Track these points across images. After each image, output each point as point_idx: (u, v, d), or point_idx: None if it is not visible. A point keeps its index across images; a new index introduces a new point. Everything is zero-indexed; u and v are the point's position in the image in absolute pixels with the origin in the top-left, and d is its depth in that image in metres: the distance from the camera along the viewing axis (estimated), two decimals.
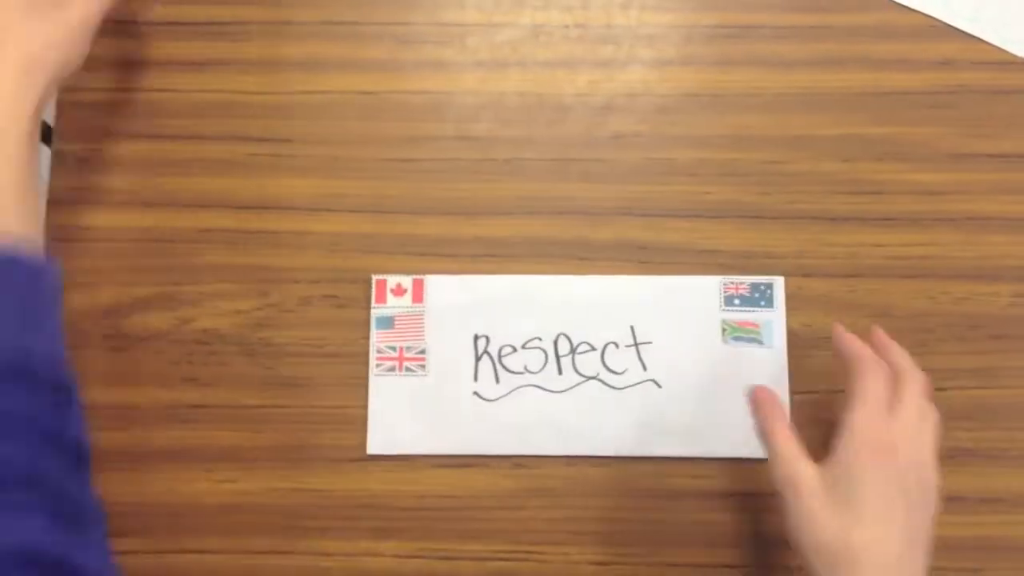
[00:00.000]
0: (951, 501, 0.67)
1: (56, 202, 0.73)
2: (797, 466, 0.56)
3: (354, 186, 0.73)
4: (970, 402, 0.70)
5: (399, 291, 0.71)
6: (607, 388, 0.70)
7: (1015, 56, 0.75)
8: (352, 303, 0.71)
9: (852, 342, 0.60)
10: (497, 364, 0.70)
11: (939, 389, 0.69)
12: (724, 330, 0.70)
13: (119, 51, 0.75)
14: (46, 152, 0.74)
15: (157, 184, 0.73)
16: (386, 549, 0.68)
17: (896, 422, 0.57)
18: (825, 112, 0.74)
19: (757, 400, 0.61)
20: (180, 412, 0.70)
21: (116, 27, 0.75)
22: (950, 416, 0.68)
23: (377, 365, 0.70)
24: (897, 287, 0.71)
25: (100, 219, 0.73)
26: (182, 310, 0.71)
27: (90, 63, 0.75)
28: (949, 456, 0.68)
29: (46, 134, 0.73)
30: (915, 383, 0.59)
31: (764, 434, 0.59)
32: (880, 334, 0.62)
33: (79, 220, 0.73)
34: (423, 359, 0.70)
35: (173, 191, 0.73)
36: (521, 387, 0.70)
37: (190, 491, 0.69)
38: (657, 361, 0.70)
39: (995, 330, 0.71)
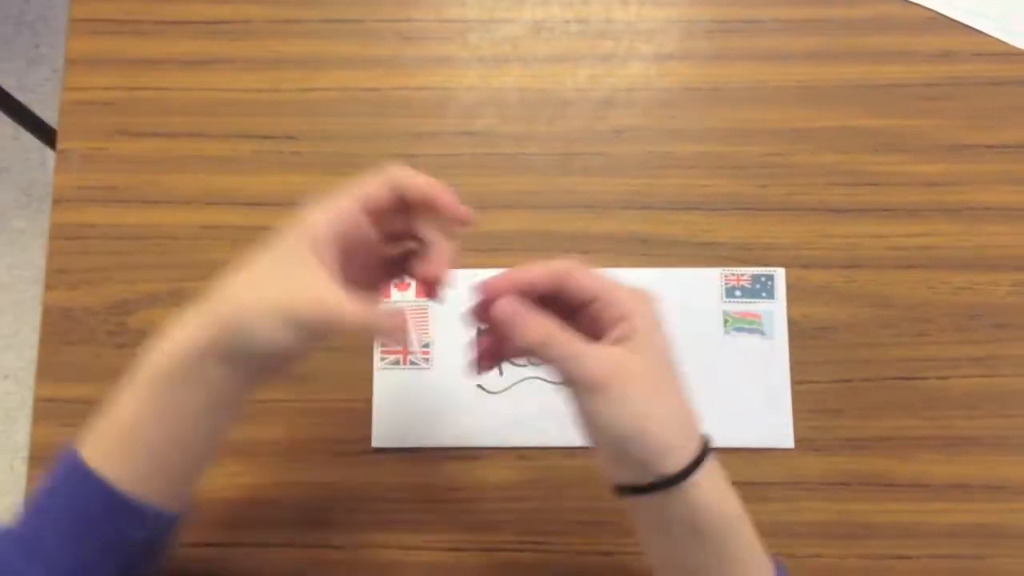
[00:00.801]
0: (953, 489, 0.69)
1: (61, 200, 0.74)
2: (599, 349, 0.51)
3: None
4: (971, 391, 0.70)
5: (403, 286, 0.71)
6: None
7: (1014, 47, 0.75)
8: None
9: (589, 278, 0.53)
10: None
11: (940, 378, 0.70)
12: (726, 321, 0.71)
13: (123, 50, 0.76)
14: (50, 153, 0.75)
15: (161, 181, 0.74)
16: (392, 541, 0.68)
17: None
18: (824, 105, 0.75)
19: (504, 313, 0.52)
20: None
21: (119, 26, 0.76)
22: (951, 405, 0.70)
23: (381, 359, 0.71)
24: (897, 277, 0.72)
25: (105, 217, 0.73)
26: (187, 306, 0.71)
27: (94, 62, 0.76)
28: (951, 444, 0.69)
29: (48, 135, 0.73)
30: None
31: (544, 343, 0.51)
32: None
33: (84, 218, 0.73)
34: (427, 353, 0.71)
35: (178, 188, 0.74)
36: (524, 379, 0.70)
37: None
38: None
39: (995, 319, 0.71)
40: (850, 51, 0.76)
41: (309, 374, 0.70)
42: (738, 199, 0.73)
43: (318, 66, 0.76)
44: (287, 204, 0.72)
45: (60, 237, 0.73)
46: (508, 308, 0.52)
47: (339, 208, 0.53)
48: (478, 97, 0.75)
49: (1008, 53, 0.75)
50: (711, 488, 0.52)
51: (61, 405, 0.70)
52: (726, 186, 0.73)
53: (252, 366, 0.51)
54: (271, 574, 0.68)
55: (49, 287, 0.72)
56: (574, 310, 0.53)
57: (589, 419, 0.51)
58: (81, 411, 0.69)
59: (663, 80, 0.75)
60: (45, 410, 0.71)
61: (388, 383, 0.70)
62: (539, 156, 0.74)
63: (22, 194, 1.70)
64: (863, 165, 0.74)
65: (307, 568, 0.68)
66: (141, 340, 0.71)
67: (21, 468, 0.70)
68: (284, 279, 0.51)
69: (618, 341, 0.51)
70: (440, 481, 0.69)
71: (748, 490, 0.69)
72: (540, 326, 0.51)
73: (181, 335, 0.51)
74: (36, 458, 0.70)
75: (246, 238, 0.72)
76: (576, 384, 0.50)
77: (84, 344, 0.71)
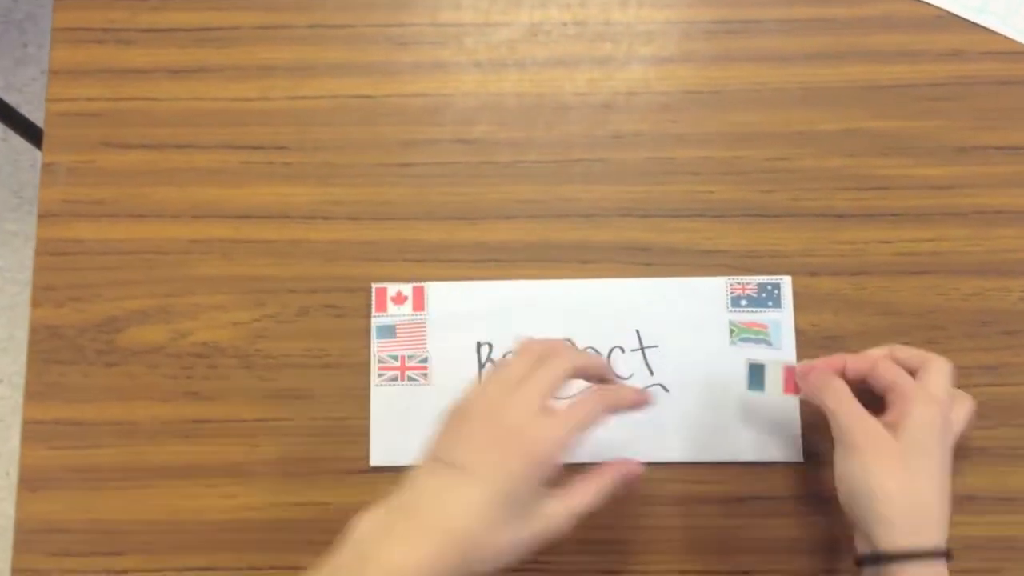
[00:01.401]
0: (967, 501, 0.67)
1: (47, 215, 0.72)
2: (869, 421, 0.58)
3: (351, 192, 0.72)
4: (983, 400, 0.68)
5: (399, 299, 0.70)
6: None
7: (1021, 47, 0.73)
8: (351, 312, 0.70)
9: (888, 370, 0.61)
10: None
11: None
12: (732, 331, 0.69)
13: (108, 60, 0.74)
14: (39, 154, 0.73)
15: (149, 194, 0.72)
16: None
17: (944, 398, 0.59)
18: (828, 107, 0.73)
19: (806, 373, 0.62)
20: (179, 427, 0.69)
21: (103, 35, 0.74)
22: None
23: (379, 375, 0.69)
24: (906, 284, 0.70)
25: (91, 231, 0.71)
26: (178, 323, 0.70)
27: (78, 72, 0.74)
28: (963, 456, 0.67)
29: (37, 135, 0.72)
30: (939, 362, 0.61)
31: (821, 390, 0.61)
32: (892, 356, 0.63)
33: (70, 233, 0.71)
34: (425, 368, 0.69)
35: (166, 201, 0.72)
36: None
37: (191, 507, 0.68)
38: (664, 365, 0.69)
39: (1007, 326, 0.69)
40: (854, 51, 0.74)
41: (304, 392, 0.69)
42: (742, 205, 0.71)
43: (308, 73, 0.74)
44: (278, 216, 0.72)
45: (46, 253, 0.71)
46: (821, 377, 0.61)
47: (569, 434, 0.55)
48: (474, 103, 0.73)
49: (1017, 52, 0.73)
50: None
51: (51, 427, 0.69)
52: (729, 192, 0.71)
53: None
54: None
55: (36, 304, 0.70)
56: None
57: (839, 475, 0.58)
58: (71, 432, 0.69)
59: (663, 83, 0.74)
60: (34, 432, 0.69)
61: (386, 400, 0.69)
62: (537, 163, 0.72)
63: (12, 196, 1.68)
64: (869, 168, 0.72)
65: None
66: (132, 358, 0.69)
67: (15, 475, 0.68)
68: (520, 517, 0.53)
69: (890, 424, 0.58)
70: None
71: (757, 505, 0.68)
72: (820, 375, 0.61)
73: (424, 564, 0.51)
74: (25, 480, 0.68)
75: (237, 252, 0.71)
76: (838, 438, 0.58)
77: (72, 363, 0.70)
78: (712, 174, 0.72)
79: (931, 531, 0.55)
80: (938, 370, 0.60)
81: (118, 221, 0.72)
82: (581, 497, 0.56)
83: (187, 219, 0.71)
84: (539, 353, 0.58)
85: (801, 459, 0.67)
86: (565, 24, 0.74)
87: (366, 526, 0.53)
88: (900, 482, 0.55)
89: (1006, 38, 0.73)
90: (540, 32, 0.74)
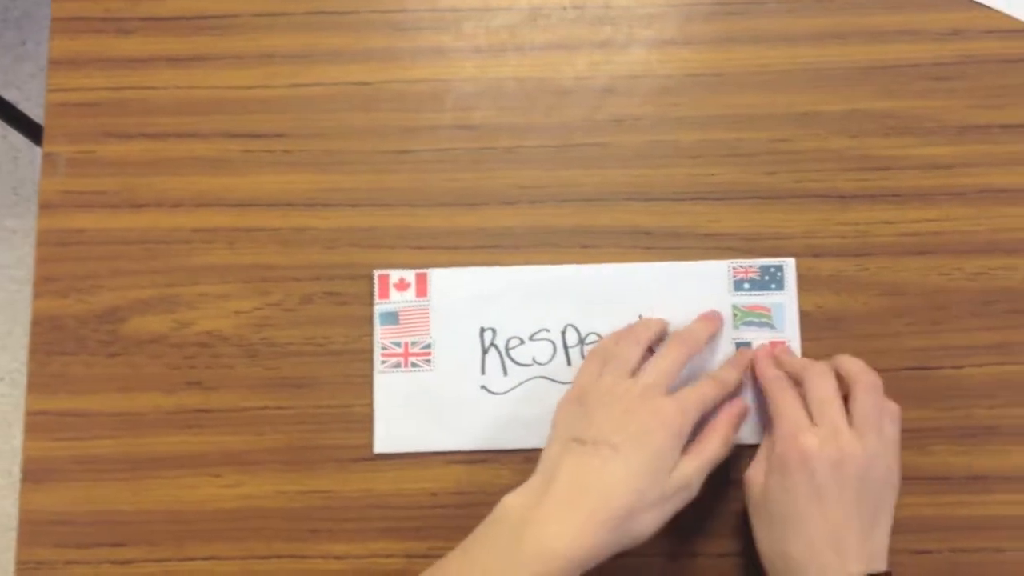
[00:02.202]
0: (972, 481, 0.67)
1: (47, 205, 0.71)
2: (748, 475, 0.63)
3: (352, 180, 0.71)
4: (989, 379, 0.68)
5: (402, 285, 0.69)
6: None
7: None
8: (354, 299, 0.70)
9: (766, 368, 0.65)
10: (504, 357, 0.69)
11: (956, 367, 0.68)
12: (735, 315, 0.69)
13: (107, 49, 0.74)
14: (39, 151, 0.73)
15: (150, 184, 0.72)
16: (397, 549, 0.67)
17: (844, 423, 0.60)
18: (831, 88, 0.73)
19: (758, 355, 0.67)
20: (183, 417, 0.68)
21: (101, 24, 0.74)
22: (968, 394, 0.68)
23: (382, 362, 0.69)
24: (910, 264, 0.70)
25: (93, 221, 0.71)
26: (181, 312, 0.70)
27: (77, 62, 0.73)
28: (969, 435, 0.68)
29: (36, 132, 0.71)
30: (865, 382, 0.61)
31: (768, 384, 0.65)
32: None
33: (71, 223, 0.71)
34: (429, 354, 0.69)
35: (167, 191, 0.71)
36: (530, 379, 0.69)
37: (195, 497, 0.68)
38: None
39: (1012, 304, 0.69)
40: (856, 31, 0.73)
41: (308, 380, 0.69)
42: (745, 188, 0.71)
43: (308, 61, 0.73)
44: (280, 204, 0.71)
45: (48, 243, 0.71)
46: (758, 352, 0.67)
47: (695, 408, 0.60)
48: (474, 88, 0.73)
49: (1019, 30, 0.73)
50: None
51: (54, 418, 0.69)
52: (732, 174, 0.71)
53: None
54: None
55: (37, 295, 0.70)
56: None
57: (752, 492, 0.62)
58: (74, 423, 0.68)
59: (664, 66, 0.73)
60: (37, 423, 0.69)
61: (389, 386, 0.68)
62: (538, 148, 0.72)
63: (12, 193, 1.67)
64: (873, 149, 0.71)
65: None
66: (135, 349, 0.69)
67: (18, 473, 0.68)
68: (663, 486, 0.57)
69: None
70: (446, 486, 0.68)
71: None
72: (771, 371, 0.66)
73: (579, 543, 0.54)
74: (28, 472, 0.68)
75: (239, 240, 0.70)
76: (769, 446, 0.62)
77: (75, 354, 0.69)
78: (714, 157, 0.72)
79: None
80: (864, 392, 0.61)
81: (119, 211, 0.71)
82: (711, 451, 0.60)
83: (188, 208, 0.71)
84: (645, 340, 0.65)
85: None
86: (565, 8, 0.74)
87: (515, 511, 0.57)
88: (816, 512, 0.57)
89: (1007, 16, 0.73)
90: (539, 16, 0.74)
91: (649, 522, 0.57)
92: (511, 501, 0.57)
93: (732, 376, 0.65)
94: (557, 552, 0.53)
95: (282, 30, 0.74)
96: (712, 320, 0.68)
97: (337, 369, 0.69)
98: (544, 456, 0.60)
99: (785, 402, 0.62)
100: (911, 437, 0.66)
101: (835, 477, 0.57)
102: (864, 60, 0.73)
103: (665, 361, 0.62)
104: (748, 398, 0.67)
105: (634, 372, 0.62)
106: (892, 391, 0.62)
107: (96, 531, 0.67)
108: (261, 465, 0.68)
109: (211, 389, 0.69)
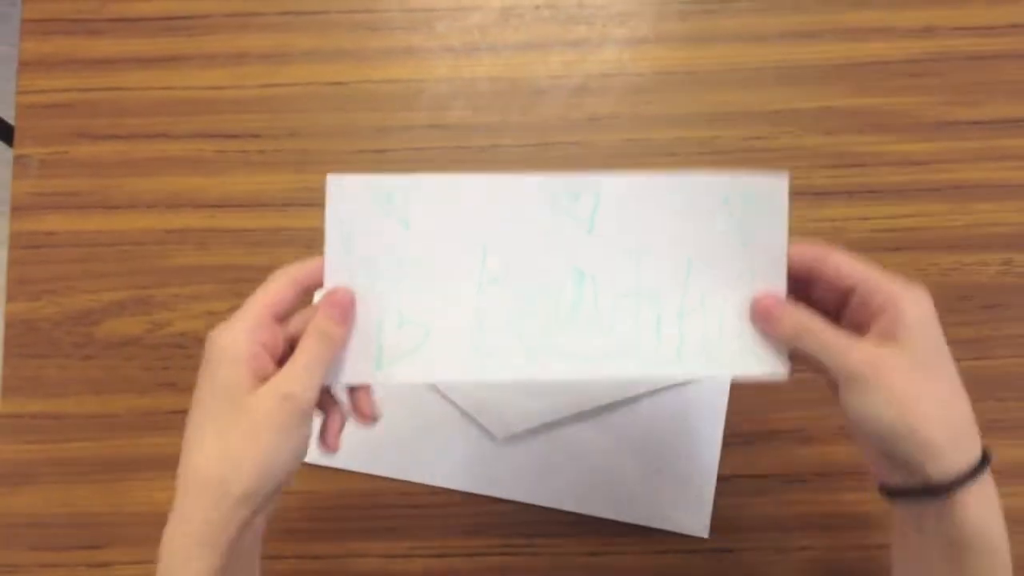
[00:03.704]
0: None
1: (19, 208, 0.71)
2: (865, 347, 0.49)
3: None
4: (964, 375, 0.67)
5: None
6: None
7: (996, 21, 0.73)
8: None
9: (852, 268, 0.52)
10: None
11: None
12: None
13: (77, 50, 0.73)
14: (8, 155, 0.72)
15: (122, 185, 0.71)
16: (376, 549, 0.67)
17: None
18: (804, 85, 0.73)
19: (766, 308, 0.52)
20: (158, 419, 0.68)
21: (72, 26, 0.73)
22: None
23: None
24: (884, 260, 0.68)
25: (65, 223, 0.71)
26: (155, 314, 0.69)
27: (48, 64, 0.73)
28: None
29: (9, 135, 0.71)
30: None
31: (799, 335, 0.50)
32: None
33: (43, 225, 0.71)
34: None
35: (139, 192, 0.71)
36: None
37: (170, 499, 0.67)
38: None
39: (986, 300, 0.69)
40: (829, 29, 0.74)
41: None
42: None
43: (280, 61, 0.73)
44: (253, 205, 0.71)
45: (20, 246, 0.71)
46: (759, 307, 0.52)
47: (252, 326, 0.50)
48: (448, 89, 0.73)
49: (990, 27, 0.73)
50: (980, 511, 0.48)
51: (27, 421, 0.68)
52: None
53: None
54: None
55: (10, 298, 0.70)
56: (833, 309, 0.52)
57: (851, 415, 0.48)
58: (49, 426, 0.68)
59: (638, 64, 0.73)
60: (10, 426, 0.68)
61: None
62: (514, 147, 0.72)
63: None
64: (847, 146, 0.72)
65: None
66: (109, 351, 0.69)
67: None
68: (236, 452, 0.48)
69: (882, 334, 0.48)
70: (424, 487, 0.67)
71: (750, 483, 0.68)
72: (792, 315, 0.50)
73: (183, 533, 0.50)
74: (3, 475, 0.68)
75: (213, 241, 0.70)
76: (837, 377, 0.48)
77: (49, 357, 0.69)
78: (689, 154, 0.72)
79: (973, 439, 0.49)
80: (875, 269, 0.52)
81: (92, 213, 0.71)
82: (302, 354, 0.49)
83: (161, 209, 0.71)
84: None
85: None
86: (538, 7, 0.74)
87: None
88: (930, 397, 0.48)
89: (978, 12, 0.73)
90: (512, 16, 0.74)
91: (271, 467, 0.48)
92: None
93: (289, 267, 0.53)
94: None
95: (254, 31, 0.73)
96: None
97: None
98: None
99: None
100: None
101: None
102: (838, 58, 0.73)
103: (257, 298, 0.52)
104: None
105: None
106: None
107: (72, 533, 0.67)
108: None
109: (186, 390, 0.67)
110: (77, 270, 0.70)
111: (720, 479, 0.67)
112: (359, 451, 0.67)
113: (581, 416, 0.68)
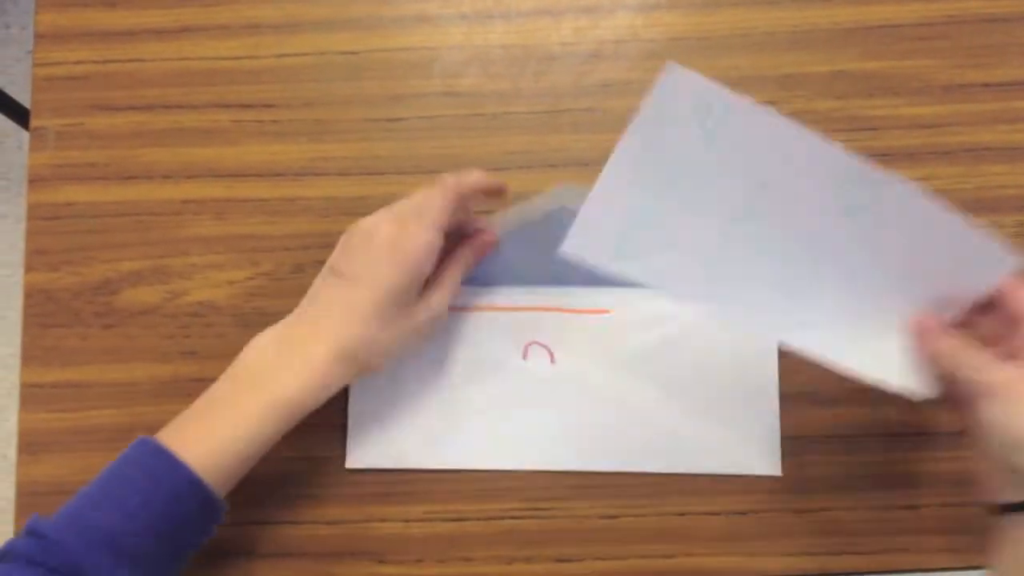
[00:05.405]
0: (959, 436, 0.67)
1: (37, 180, 0.72)
2: (1003, 366, 0.54)
3: (341, 148, 0.72)
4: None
5: None
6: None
7: None
8: None
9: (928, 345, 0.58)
10: None
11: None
12: None
13: (93, 22, 0.74)
14: (26, 135, 0.72)
15: (139, 156, 0.72)
16: (393, 513, 0.67)
17: None
18: (816, 49, 0.73)
19: (924, 326, 0.58)
20: (179, 386, 0.69)
21: None
22: None
23: None
24: None
25: (83, 195, 0.71)
26: (173, 283, 0.70)
27: (64, 36, 0.73)
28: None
29: (23, 116, 0.71)
30: None
31: (952, 353, 0.56)
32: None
33: (61, 197, 0.71)
34: None
35: (156, 163, 0.72)
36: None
37: None
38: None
39: None
40: None
41: None
42: None
43: (294, 30, 0.73)
44: (269, 174, 0.72)
45: (38, 217, 0.71)
46: (921, 326, 0.58)
47: (429, 233, 0.61)
48: (460, 56, 0.73)
49: None
50: None
51: (49, 390, 0.69)
52: None
53: None
54: (268, 551, 0.67)
55: (29, 269, 0.70)
56: (994, 339, 0.57)
57: (984, 424, 0.54)
58: (70, 395, 0.69)
59: (650, 31, 0.73)
60: (32, 395, 0.69)
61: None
62: (526, 114, 0.72)
63: (0, 178, 1.67)
64: (859, 110, 0.72)
65: (305, 544, 0.67)
66: (129, 320, 0.69)
67: (13, 456, 0.68)
68: (403, 314, 0.61)
69: (1011, 352, 0.54)
70: None
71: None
72: (949, 339, 0.57)
73: (318, 378, 0.59)
74: (24, 444, 0.68)
75: (229, 211, 0.71)
76: (974, 391, 0.54)
77: (69, 326, 0.70)
78: None
79: None
80: None
81: (109, 183, 0.71)
82: (451, 280, 0.64)
83: (179, 179, 0.71)
84: (440, 190, 0.63)
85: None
86: None
87: (257, 359, 0.61)
88: None
89: None
90: None
91: (390, 345, 0.61)
92: (260, 342, 0.61)
93: (449, 179, 0.63)
94: (284, 399, 0.59)
95: (268, 1, 0.74)
96: (493, 181, 0.66)
97: None
98: (311, 288, 0.63)
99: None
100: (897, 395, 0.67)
101: None
102: (848, 21, 0.73)
103: (420, 196, 0.62)
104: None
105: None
106: None
107: None
108: None
109: (206, 359, 0.69)
110: (95, 240, 0.71)
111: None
112: (425, 447, 0.68)
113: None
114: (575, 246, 0.56)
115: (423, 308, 0.62)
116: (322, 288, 0.62)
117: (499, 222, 0.68)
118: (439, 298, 0.63)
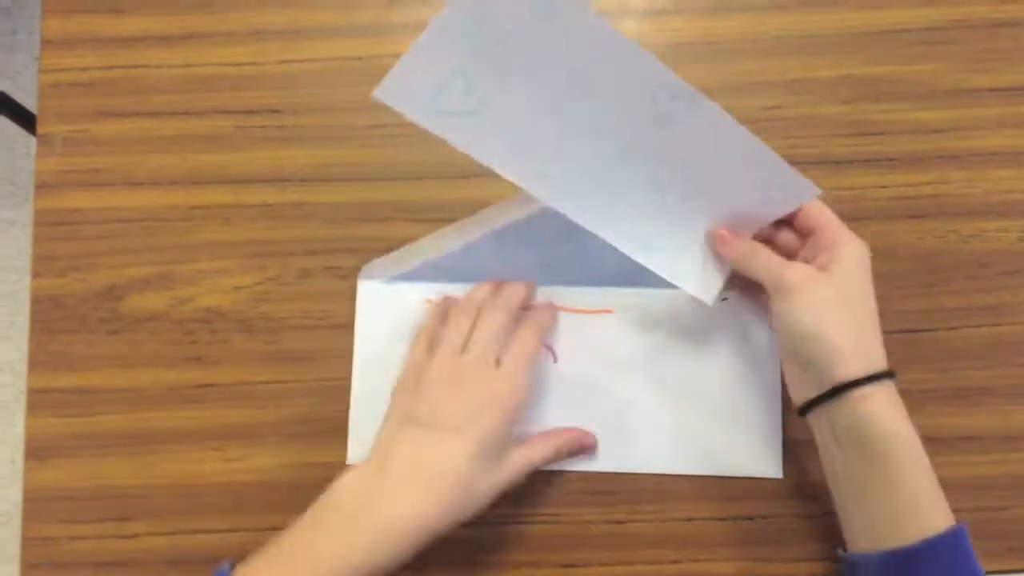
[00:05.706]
0: (970, 441, 0.68)
1: (44, 185, 0.72)
2: (798, 266, 0.60)
3: (347, 154, 0.72)
4: (984, 340, 0.69)
5: None
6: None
7: None
8: (352, 273, 0.70)
9: (821, 211, 0.62)
10: None
11: (951, 328, 0.69)
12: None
13: (100, 28, 0.74)
14: (33, 141, 0.73)
15: (146, 162, 0.72)
16: None
17: None
18: (822, 54, 0.73)
19: (722, 235, 0.63)
20: (185, 392, 0.69)
21: (94, 4, 0.74)
22: (964, 356, 0.69)
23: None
24: (904, 228, 0.70)
25: (90, 201, 0.71)
26: (180, 289, 0.70)
27: (70, 42, 0.73)
28: (965, 396, 0.68)
29: (29, 122, 0.71)
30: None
31: (745, 256, 0.62)
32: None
33: (68, 203, 0.71)
34: None
35: (163, 168, 0.72)
36: None
37: (199, 471, 0.68)
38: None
39: (1005, 266, 0.70)
40: None
41: (309, 353, 0.69)
42: None
43: (299, 36, 0.73)
44: (276, 180, 0.72)
45: (45, 223, 0.71)
46: (716, 234, 0.64)
47: (523, 375, 0.62)
48: None
49: None
50: (882, 407, 0.56)
51: (56, 396, 0.69)
52: None
53: None
54: None
55: (36, 275, 0.71)
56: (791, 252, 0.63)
57: (778, 320, 0.59)
58: (77, 400, 0.69)
59: (657, 36, 0.73)
60: (39, 401, 0.69)
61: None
62: None
63: (8, 184, 1.67)
64: (865, 114, 0.72)
65: None
66: (135, 326, 0.69)
67: (20, 461, 0.68)
68: (496, 463, 0.59)
69: (820, 265, 0.59)
70: None
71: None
72: (742, 244, 0.63)
73: (417, 515, 0.56)
74: (31, 449, 0.69)
75: (236, 217, 0.71)
76: (773, 289, 0.59)
77: (75, 332, 0.70)
78: None
79: (878, 355, 0.58)
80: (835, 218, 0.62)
81: (116, 189, 0.72)
82: (540, 451, 0.63)
83: (185, 185, 0.71)
84: (470, 312, 0.64)
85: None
86: None
87: (350, 488, 0.57)
88: (844, 314, 0.57)
89: None
90: None
91: (484, 495, 0.59)
92: (345, 482, 0.58)
93: (546, 316, 0.66)
94: (395, 525, 0.55)
95: (272, 7, 0.74)
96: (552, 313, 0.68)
97: (337, 342, 0.69)
98: (377, 440, 0.60)
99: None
100: (906, 399, 0.66)
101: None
102: (856, 26, 0.73)
103: (490, 330, 0.63)
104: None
105: (464, 346, 0.62)
106: (887, 354, 0.62)
107: (101, 506, 0.68)
108: (263, 439, 0.68)
109: (212, 364, 0.69)
110: (102, 246, 0.71)
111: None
112: None
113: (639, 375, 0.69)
114: (390, 92, 0.54)
115: (508, 463, 0.60)
116: (401, 438, 0.59)
117: (489, 218, 0.68)
118: (522, 460, 0.62)
